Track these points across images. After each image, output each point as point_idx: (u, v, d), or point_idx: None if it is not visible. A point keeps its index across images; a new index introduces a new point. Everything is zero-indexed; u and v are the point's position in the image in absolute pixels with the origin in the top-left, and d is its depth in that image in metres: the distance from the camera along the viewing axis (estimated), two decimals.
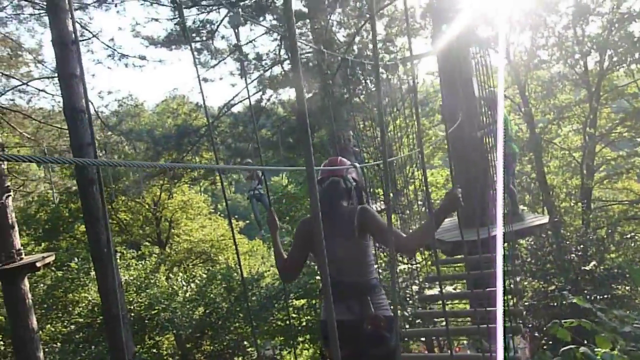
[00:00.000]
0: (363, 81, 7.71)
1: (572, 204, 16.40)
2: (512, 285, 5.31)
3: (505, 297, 4.88)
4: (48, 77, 10.65)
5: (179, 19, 9.82)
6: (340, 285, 2.52)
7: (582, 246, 10.82)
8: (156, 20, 10.76)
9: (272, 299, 12.94)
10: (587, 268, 10.29)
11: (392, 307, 2.73)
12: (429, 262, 8.95)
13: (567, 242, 11.26)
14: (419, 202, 9.92)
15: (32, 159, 1.13)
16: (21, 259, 9.23)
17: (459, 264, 8.42)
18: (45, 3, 8.52)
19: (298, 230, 2.85)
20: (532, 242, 11.36)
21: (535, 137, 14.83)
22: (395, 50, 14.71)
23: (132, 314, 12.92)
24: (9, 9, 10.05)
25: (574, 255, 10.68)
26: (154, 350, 13.71)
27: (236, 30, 3.20)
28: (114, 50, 10.32)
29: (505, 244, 6.61)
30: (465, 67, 5.73)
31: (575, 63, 15.23)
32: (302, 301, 13.22)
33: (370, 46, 9.65)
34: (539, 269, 10.92)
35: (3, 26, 10.55)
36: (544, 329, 9.51)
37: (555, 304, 9.37)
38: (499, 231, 2.94)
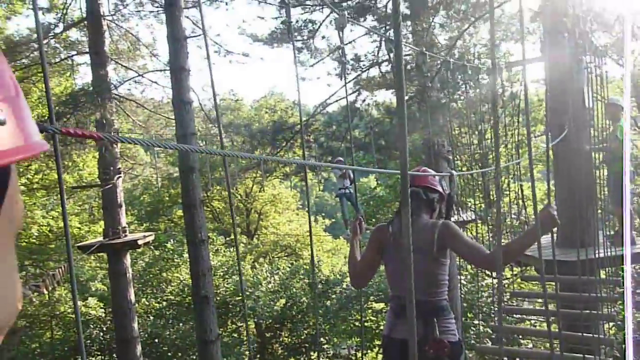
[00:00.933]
0: (462, 86, 7.47)
1: None
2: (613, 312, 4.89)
3: (606, 327, 4.51)
4: (161, 70, 11.46)
5: (284, 17, 10.15)
6: (403, 300, 2.41)
7: None
8: (262, 18, 11.18)
9: (351, 299, 12.96)
10: None
11: (476, 325, 2.63)
12: (518, 279, 8.49)
13: None
14: (513, 215, 9.44)
15: (143, 143, 1.23)
16: (125, 235, 10.03)
17: (550, 283, 7.89)
18: (163, 1, 9.17)
19: (372, 236, 2.74)
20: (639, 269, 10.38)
21: None
22: (499, 55, 14.09)
23: (218, 298, 13.56)
24: (131, 6, 10.97)
25: None
26: (235, 335, 14.29)
27: (340, 33, 3.22)
28: (220, 46, 10.90)
29: (609, 269, 6.10)
30: (577, 76, 5.35)
31: None
32: (381, 305, 13.12)
33: (472, 50, 9.33)
34: None
35: (125, 22, 11.54)
36: None
37: None
38: (627, 252, 2.69)
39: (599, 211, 5.97)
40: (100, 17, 9.83)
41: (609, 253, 4.81)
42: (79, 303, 13.80)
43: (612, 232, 5.70)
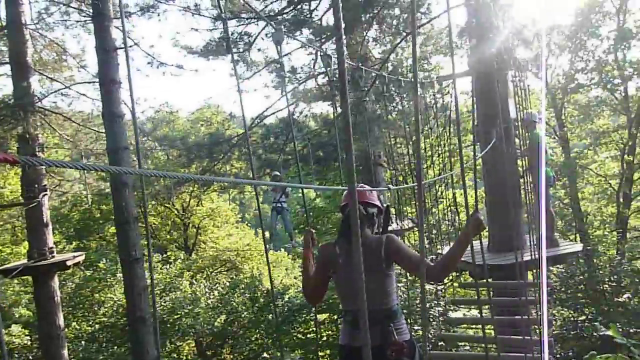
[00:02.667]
0: (397, 98, 7.70)
1: (606, 233, 15.90)
2: (539, 314, 5.16)
3: (534, 327, 4.74)
4: (89, 82, 10.99)
5: (219, 30, 10.05)
6: (358, 312, 2.51)
7: (615, 276, 10.45)
8: (196, 30, 11.02)
9: (294, 311, 12.90)
10: (620, 300, 9.94)
11: (417, 331, 2.75)
12: (455, 284, 8.79)
13: (600, 272, 10.90)
14: (447, 222, 9.79)
15: (74, 166, 1.16)
16: (53, 256, 9.45)
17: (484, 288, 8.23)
18: (91, 10, 8.82)
19: (320, 255, 2.88)
20: (563, 270, 11.05)
21: (570, 162, 14.50)
22: (430, 68, 14.67)
23: (155, 317, 13.05)
24: (56, 15, 10.46)
25: (607, 285, 10.34)
26: (174, 355, 13.81)
27: (278, 47, 3.26)
28: (153, 58, 10.59)
29: (535, 270, 6.44)
30: (503, 89, 5.66)
31: (615, 88, 14.87)
32: (324, 315, 13.15)
33: (405, 64, 9.66)
34: (570, 297, 10.59)
35: (50, 31, 10.98)
36: None
37: (586, 335, 9.06)
38: (542, 254, 2.87)
39: (525, 215, 6.31)
40: (21, 25, 9.29)
41: (535, 255, 5.08)
42: (2, 331, 12.86)
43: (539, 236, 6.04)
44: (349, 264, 2.68)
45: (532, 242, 5.46)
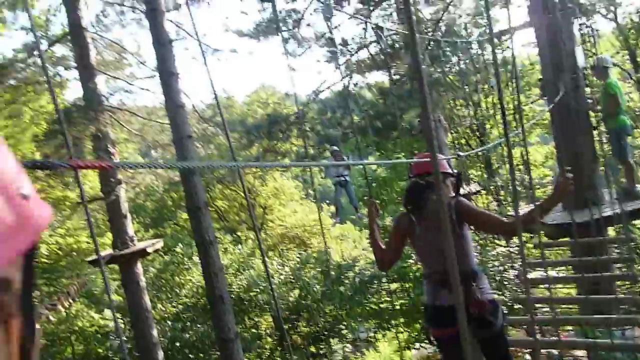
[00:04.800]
0: (453, 59, 7.44)
1: None
2: (627, 272, 4.91)
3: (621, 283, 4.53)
4: (150, 77, 11.41)
5: (267, 10, 10.09)
6: (444, 273, 2.65)
7: None
8: (245, 13, 11.10)
9: (365, 283, 13.03)
10: None
11: (496, 293, 2.83)
12: (531, 245, 8.51)
13: None
14: (516, 182, 9.44)
15: (148, 165, 1.23)
16: (134, 245, 10.06)
17: (563, 247, 7.93)
18: (144, 7, 9.09)
19: (396, 225, 3.06)
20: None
21: None
22: (485, 23, 13.98)
23: (232, 296, 13.63)
24: (112, 16, 10.88)
25: None
26: (254, 330, 14.40)
27: (328, 23, 3.25)
28: (208, 46, 10.82)
29: (619, 225, 6.11)
30: (568, 36, 5.32)
31: None
32: (395, 285, 13.18)
33: (459, 20, 9.26)
34: None
35: (108, 32, 11.45)
36: None
37: None
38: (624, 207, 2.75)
39: (602, 169, 5.97)
40: (82, 30, 9.75)
41: (617, 210, 4.82)
42: (96, 316, 13.93)
43: (617, 189, 5.70)
44: (428, 229, 2.81)
45: (611, 196, 5.18)
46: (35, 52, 10.47)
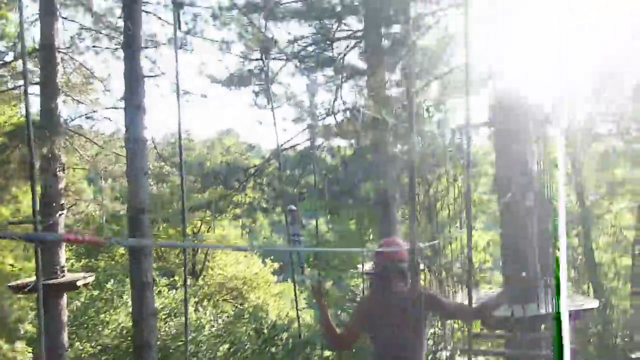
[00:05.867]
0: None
1: (620, 285, 15.62)
2: None
3: None
4: (115, 108, 11.27)
5: (243, 62, 10.35)
6: None
7: (629, 332, 10.24)
8: (220, 61, 11.30)
9: (297, 346, 12.73)
10: (633, 356, 9.72)
11: None
12: (465, 333, 8.64)
13: (613, 326, 10.68)
14: (457, 265, 9.70)
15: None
16: (63, 275, 9.52)
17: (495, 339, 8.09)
18: (122, 38, 9.11)
19: (358, 308, 3.15)
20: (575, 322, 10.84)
21: (585, 211, 14.38)
22: (445, 110, 14.77)
23: (158, 342, 12.93)
24: (88, 41, 10.80)
25: (618, 339, 10.12)
26: None
27: (312, 97, 3.40)
28: (177, 86, 10.82)
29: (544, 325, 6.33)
30: (522, 138, 5.72)
31: (635, 139, 14.87)
32: (328, 353, 12.93)
33: (425, 104, 9.77)
34: (580, 351, 10.36)
35: (80, 55, 11.32)
36: None
37: None
38: (563, 306, 2.90)
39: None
40: (54, 48, 9.61)
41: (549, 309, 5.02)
42: (5, 346, 12.82)
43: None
44: (390, 319, 2.80)
45: (546, 294, 5.40)
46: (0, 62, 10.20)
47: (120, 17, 9.66)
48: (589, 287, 14.05)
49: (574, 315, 6.11)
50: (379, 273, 2.97)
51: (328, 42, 10.56)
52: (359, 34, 10.06)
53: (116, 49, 10.66)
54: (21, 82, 10.22)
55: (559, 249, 5.82)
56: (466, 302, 2.93)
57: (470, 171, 2.71)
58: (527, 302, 4.22)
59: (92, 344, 13.84)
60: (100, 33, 10.85)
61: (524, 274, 2.79)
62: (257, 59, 10.74)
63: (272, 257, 21.81)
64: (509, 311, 3.96)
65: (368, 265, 11.00)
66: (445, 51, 8.53)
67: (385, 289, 2.88)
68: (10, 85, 10.58)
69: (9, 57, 10.23)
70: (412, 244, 3.17)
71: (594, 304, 6.38)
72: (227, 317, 15.20)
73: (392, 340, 2.83)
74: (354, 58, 10.87)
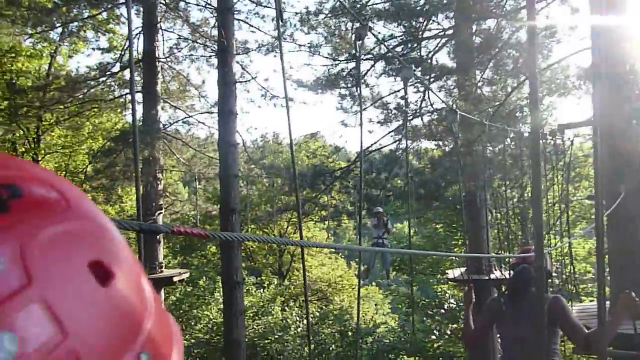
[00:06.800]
0: (507, 141, 7.40)
1: None
2: None
3: None
4: (209, 112, 11.83)
5: (330, 66, 10.45)
6: None
7: None
8: (308, 65, 11.50)
9: (382, 352, 12.61)
10: None
11: None
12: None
13: None
14: (554, 274, 9.09)
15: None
16: (162, 271, 10.12)
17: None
18: (215, 47, 9.55)
19: (487, 307, 3.17)
20: None
21: None
22: (542, 109, 13.92)
23: (246, 339, 13.37)
24: (184, 50, 11.47)
25: None
26: None
27: (406, 83, 3.44)
28: (267, 90, 11.19)
29: None
30: (632, 138, 5.21)
31: None
32: (411, 358, 12.71)
33: (520, 104, 9.28)
34: None
35: (178, 63, 12.03)
36: None
37: None
38: None
39: None
40: (155, 58, 10.30)
41: None
42: None
43: None
44: (518, 320, 2.85)
45: None
46: (108, 73, 11.08)
47: (214, 27, 10.14)
48: None
49: None
50: (514, 276, 3.06)
51: (416, 42, 10.37)
52: (449, 32, 9.77)
53: (210, 56, 11.21)
54: (125, 91, 11.05)
55: None
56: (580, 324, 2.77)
57: (569, 174, 2.50)
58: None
59: (186, 337, 14.60)
60: (197, 42, 11.47)
61: (630, 291, 2.50)
62: (345, 61, 10.79)
63: (357, 260, 21.78)
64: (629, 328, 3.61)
65: (457, 272, 10.60)
66: (544, 46, 8.05)
67: (514, 292, 2.96)
68: (116, 93, 11.44)
69: (115, 68, 11.04)
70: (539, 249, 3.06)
71: None
72: (312, 318, 15.36)
73: (515, 339, 2.85)
74: (443, 57, 10.60)
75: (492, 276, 8.95)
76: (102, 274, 0.35)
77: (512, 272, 3.16)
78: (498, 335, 3.13)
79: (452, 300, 14.41)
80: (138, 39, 10.37)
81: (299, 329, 14.81)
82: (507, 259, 9.43)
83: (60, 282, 0.33)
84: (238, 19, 10.04)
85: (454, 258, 13.23)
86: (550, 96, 14.02)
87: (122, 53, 11.25)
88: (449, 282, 14.40)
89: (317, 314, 16.02)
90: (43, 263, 0.32)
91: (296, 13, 10.56)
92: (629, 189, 4.70)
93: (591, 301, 10.57)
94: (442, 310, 13.96)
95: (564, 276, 9.84)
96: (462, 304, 13.99)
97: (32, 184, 0.36)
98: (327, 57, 10.61)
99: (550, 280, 3.25)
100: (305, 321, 15.18)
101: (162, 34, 11.07)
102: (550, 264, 3.23)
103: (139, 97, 10.90)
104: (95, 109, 11.82)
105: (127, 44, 11.37)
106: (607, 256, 6.04)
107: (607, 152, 5.39)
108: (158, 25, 10.55)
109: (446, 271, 12.50)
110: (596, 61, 6.09)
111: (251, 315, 14.74)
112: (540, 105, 13.91)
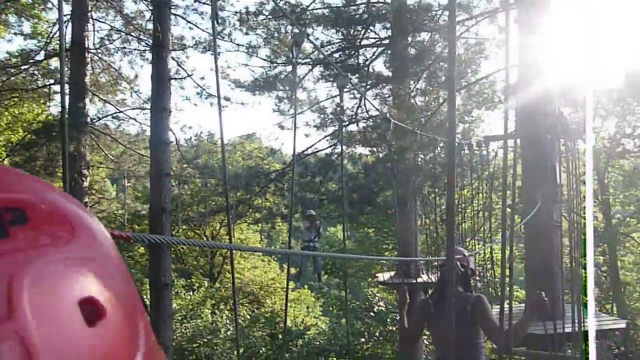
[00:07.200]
0: (438, 150, 7.69)
1: None
2: None
3: None
4: (141, 108, 11.42)
5: (268, 68, 10.41)
6: None
7: None
8: (246, 65, 11.40)
9: (313, 354, 12.67)
10: None
11: None
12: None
13: (638, 348, 10.37)
14: (476, 279, 9.55)
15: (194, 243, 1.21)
16: None
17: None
18: (150, 41, 9.24)
19: (417, 308, 3.32)
20: (598, 343, 10.54)
21: (611, 229, 14.03)
22: (470, 120, 14.60)
23: (174, 343, 13.00)
24: (117, 42, 11.01)
25: None
26: None
27: (342, 92, 3.50)
28: (203, 89, 10.96)
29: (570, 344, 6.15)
30: (551, 154, 5.59)
31: None
32: None
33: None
34: None
35: (109, 56, 11.53)
36: None
37: None
38: (590, 325, 2.87)
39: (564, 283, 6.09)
40: (84, 49, 9.80)
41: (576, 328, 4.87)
42: None
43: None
44: (440, 317, 2.98)
45: (573, 313, 5.24)
46: (31, 60, 10.43)
47: (149, 20, 9.82)
48: (612, 307, 13.68)
49: (600, 335, 5.93)
50: (442, 277, 3.27)
51: (354, 50, 10.55)
52: (386, 42, 10.03)
53: (144, 50, 10.83)
54: (50, 81, 10.44)
55: (585, 267, 5.67)
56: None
57: (493, 183, 2.66)
58: (549, 319, 4.10)
59: None
60: (130, 35, 11.03)
61: (543, 294, 2.70)
62: (282, 64, 10.78)
63: (289, 263, 21.75)
64: (541, 328, 3.88)
65: (387, 275, 10.86)
66: (473, 61, 8.47)
67: (439, 292, 3.13)
68: (39, 83, 10.79)
69: (39, 56, 10.42)
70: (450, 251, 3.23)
71: (621, 324, 6.17)
72: (243, 321, 15.19)
73: (444, 337, 2.97)
74: (379, 66, 10.85)
75: (420, 280, 9.26)
76: (93, 312, 0.33)
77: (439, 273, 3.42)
78: (431, 335, 3.31)
79: (381, 303, 14.75)
80: (66, 26, 9.82)
81: (228, 332, 14.58)
82: (435, 262, 9.79)
83: (43, 319, 0.30)
84: (175, 14, 9.77)
85: (384, 262, 13.56)
86: (479, 109, 14.75)
87: (48, 41, 10.63)
88: (379, 286, 14.75)
89: (248, 317, 15.87)
90: (29, 297, 0.30)
91: (235, 12, 10.43)
92: (544, 199, 5.03)
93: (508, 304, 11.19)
94: (372, 313, 14.24)
95: (485, 280, 10.35)
96: (390, 307, 14.39)
97: (40, 210, 0.35)
98: (265, 59, 10.59)
99: (473, 283, 3.41)
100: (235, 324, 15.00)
101: (93, 24, 10.56)
102: (474, 265, 3.42)
103: (64, 87, 10.33)
104: (16, 99, 11.08)
105: (55, 30, 10.74)
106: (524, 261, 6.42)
107: (527, 163, 5.75)
108: (89, 14, 10.05)
109: (377, 275, 12.79)
110: (519, 78, 6.49)
111: (179, 318, 14.34)
112: (469, 117, 14.62)
